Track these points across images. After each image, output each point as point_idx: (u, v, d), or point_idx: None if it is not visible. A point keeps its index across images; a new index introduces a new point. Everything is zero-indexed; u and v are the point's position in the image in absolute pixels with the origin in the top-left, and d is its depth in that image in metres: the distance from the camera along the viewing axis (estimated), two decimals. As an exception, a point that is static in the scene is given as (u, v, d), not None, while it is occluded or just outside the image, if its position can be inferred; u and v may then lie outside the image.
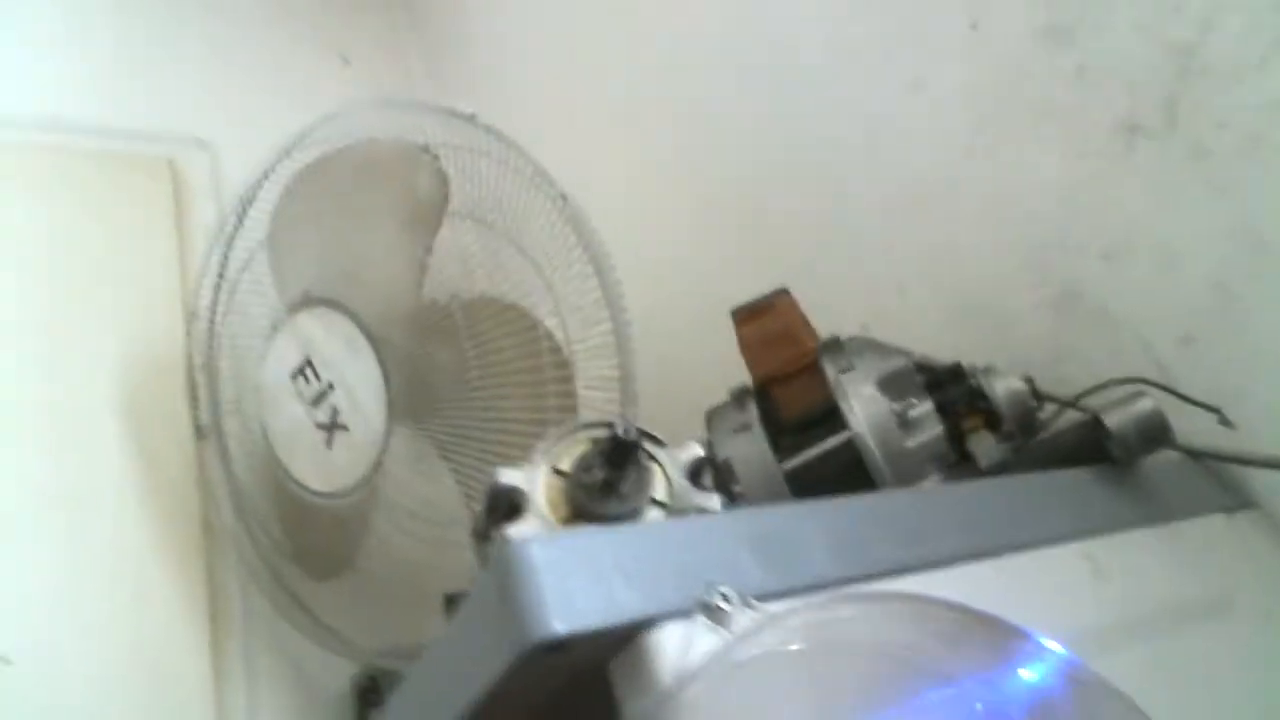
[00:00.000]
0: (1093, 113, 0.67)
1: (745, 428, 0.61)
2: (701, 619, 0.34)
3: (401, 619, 0.79)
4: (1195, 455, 0.58)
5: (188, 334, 0.94)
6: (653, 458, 0.46)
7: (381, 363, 0.77)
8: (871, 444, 0.56)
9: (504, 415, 0.74)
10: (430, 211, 0.81)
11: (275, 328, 0.84)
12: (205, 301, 0.91)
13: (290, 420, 0.81)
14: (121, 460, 0.92)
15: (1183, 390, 0.61)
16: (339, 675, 0.87)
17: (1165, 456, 0.57)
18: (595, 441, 0.45)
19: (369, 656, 0.83)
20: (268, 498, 0.87)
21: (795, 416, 0.62)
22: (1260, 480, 0.59)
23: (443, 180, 0.81)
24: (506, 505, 0.45)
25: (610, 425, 0.43)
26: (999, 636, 0.36)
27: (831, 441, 0.58)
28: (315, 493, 0.80)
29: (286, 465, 0.82)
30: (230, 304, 0.89)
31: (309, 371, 0.80)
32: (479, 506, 0.46)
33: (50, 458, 0.89)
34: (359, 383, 0.78)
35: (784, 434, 0.63)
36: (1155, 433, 0.52)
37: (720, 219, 0.98)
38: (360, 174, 0.84)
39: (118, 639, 0.84)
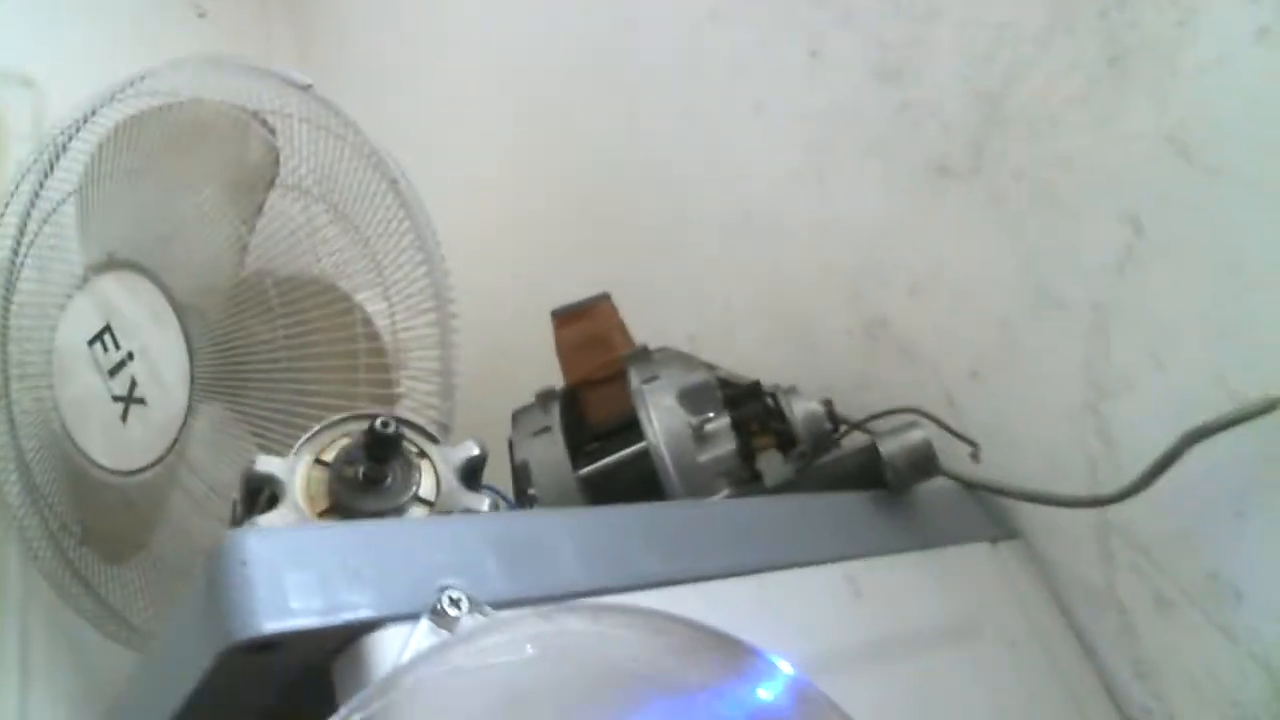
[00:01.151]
0: (911, 151, 0.70)
1: (546, 430, 0.61)
2: (427, 622, 0.34)
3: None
4: (965, 485, 0.61)
5: (-18, 288, 0.86)
6: (424, 454, 0.45)
7: (188, 335, 0.73)
8: (665, 455, 0.57)
9: (314, 400, 0.72)
10: (257, 181, 0.77)
11: (75, 288, 0.78)
12: (3, 253, 0.84)
13: (84, 390, 0.76)
14: (-107, 420, 0.84)
15: (967, 423, 0.64)
16: (122, 664, 0.82)
17: (942, 485, 0.60)
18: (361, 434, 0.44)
19: (154, 646, 0.78)
20: (56, 472, 0.81)
21: (600, 423, 0.63)
22: (1024, 512, 0.62)
23: (273, 150, 0.78)
24: (266, 495, 0.44)
25: (372, 417, 0.42)
26: (730, 653, 0.37)
27: (627, 450, 0.58)
28: (106, 469, 0.75)
29: (76, 438, 0.76)
30: (28, 257, 0.83)
31: (108, 339, 0.75)
32: (234, 495, 0.44)
33: None
34: (162, 355, 0.73)
35: (589, 439, 0.63)
36: (924, 462, 0.55)
37: (557, 219, 0.97)
38: (185, 134, 0.79)
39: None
